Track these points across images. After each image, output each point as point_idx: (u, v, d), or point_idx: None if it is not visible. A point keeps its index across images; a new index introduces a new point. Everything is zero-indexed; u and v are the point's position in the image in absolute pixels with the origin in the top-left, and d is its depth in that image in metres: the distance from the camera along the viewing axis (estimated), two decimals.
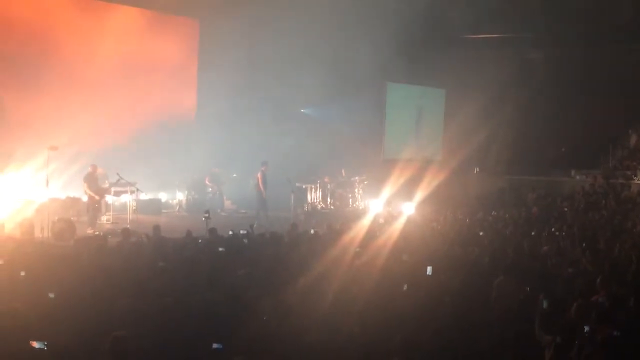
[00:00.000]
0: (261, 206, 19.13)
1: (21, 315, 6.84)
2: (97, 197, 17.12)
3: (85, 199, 17.74)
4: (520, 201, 21.21)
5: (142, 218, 17.93)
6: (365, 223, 15.15)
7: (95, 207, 17.21)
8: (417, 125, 28.06)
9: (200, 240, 12.81)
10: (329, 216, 19.84)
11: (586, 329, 6.64)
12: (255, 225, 17.33)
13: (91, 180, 17.26)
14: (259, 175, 19.10)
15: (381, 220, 17.19)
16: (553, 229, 14.39)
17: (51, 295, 7.94)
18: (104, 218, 17.85)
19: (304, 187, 22.18)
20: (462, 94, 24.93)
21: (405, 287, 8.38)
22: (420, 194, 19.58)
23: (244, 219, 18.74)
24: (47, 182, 15.74)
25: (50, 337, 6.34)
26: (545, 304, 7.49)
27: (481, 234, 14.15)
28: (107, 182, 18.01)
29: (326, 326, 7.11)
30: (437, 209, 18.88)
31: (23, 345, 6.16)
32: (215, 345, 6.23)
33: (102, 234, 15.24)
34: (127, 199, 18.29)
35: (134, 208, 18.25)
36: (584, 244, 11.96)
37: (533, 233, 14.13)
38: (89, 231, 16.26)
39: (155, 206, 20.55)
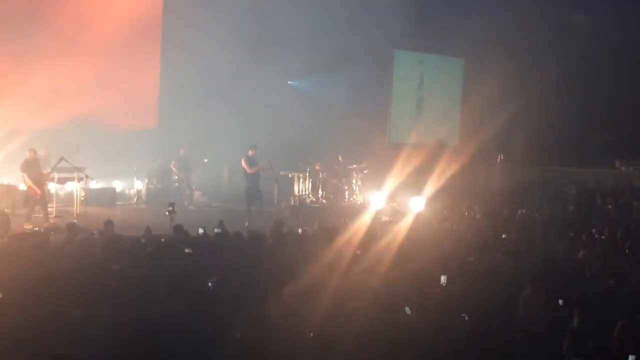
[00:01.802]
0: (251, 200, 18.95)
1: None
2: (38, 192, 17.03)
3: (22, 187, 17.67)
4: (553, 197, 21.26)
5: (93, 211, 17.91)
6: (364, 221, 15.18)
7: (35, 200, 17.14)
8: (429, 102, 28.07)
9: (162, 240, 12.81)
10: (320, 212, 19.91)
11: (631, 358, 6.67)
12: (247, 224, 17.39)
13: (30, 168, 17.16)
14: (243, 161, 18.96)
15: (384, 218, 17.21)
16: (593, 231, 14.44)
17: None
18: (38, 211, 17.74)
19: (290, 175, 22.23)
20: (485, 64, 24.93)
21: (407, 310, 8.38)
22: (431, 187, 19.62)
23: (216, 214, 18.72)
24: None
25: None
26: (576, 321, 7.54)
27: (504, 236, 14.19)
28: (49, 167, 17.94)
29: (316, 347, 7.12)
30: (452, 205, 18.91)
31: None
32: None
33: (42, 229, 15.20)
34: (74, 187, 18.25)
35: (82, 199, 18.21)
36: (629, 250, 12.01)
37: (570, 235, 14.17)
38: (27, 226, 16.22)
39: (108, 197, 20.54)
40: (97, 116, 21.10)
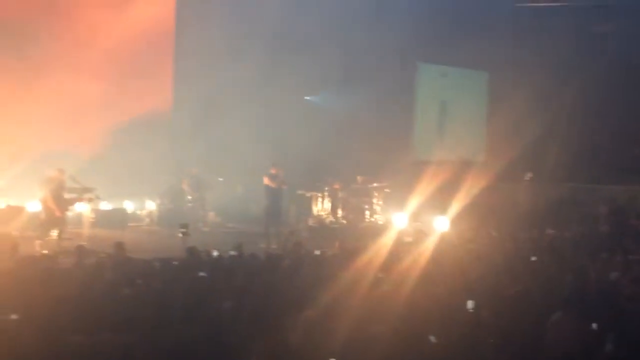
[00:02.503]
0: (270, 219, 18.94)
1: None
2: (57, 212, 17.05)
3: (32, 208, 17.76)
4: (584, 216, 21.11)
5: (103, 233, 17.95)
6: (386, 242, 15.12)
7: (55, 222, 17.13)
8: (454, 118, 27.98)
9: (175, 262, 12.81)
10: (339, 233, 19.84)
11: None
12: (263, 246, 17.39)
13: (56, 188, 17.17)
14: (265, 179, 18.96)
15: (407, 239, 17.15)
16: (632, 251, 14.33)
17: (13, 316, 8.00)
18: (53, 233, 17.79)
19: (308, 195, 22.19)
20: (511, 78, 24.85)
21: (432, 338, 8.32)
22: (456, 206, 19.53)
23: (231, 235, 18.72)
24: None
25: None
26: (609, 347, 7.45)
27: (534, 258, 14.11)
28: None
29: None
30: (478, 225, 18.82)
31: None
32: None
33: (51, 252, 15.24)
34: (84, 209, 18.29)
35: (91, 221, 18.24)
36: None
37: (603, 256, 14.07)
38: (40, 247, 16.22)
39: (119, 218, 20.56)
40: (107, 134, 21.17)
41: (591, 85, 24.93)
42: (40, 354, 7.36)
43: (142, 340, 7.80)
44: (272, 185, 18.72)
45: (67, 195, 17.59)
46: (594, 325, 8.58)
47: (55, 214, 16.99)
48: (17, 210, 18.33)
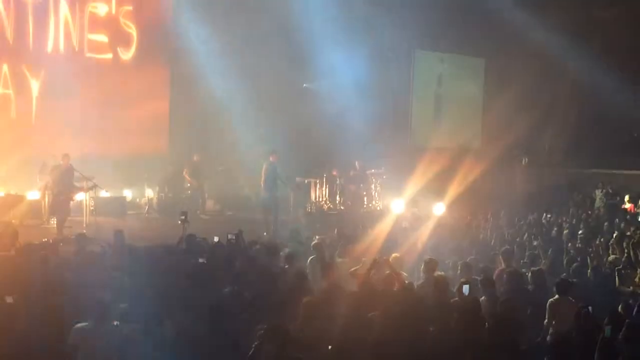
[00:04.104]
0: (268, 209, 18.84)
1: None
2: (61, 197, 17.07)
3: (29, 196, 17.78)
4: (581, 200, 21.15)
5: (102, 221, 17.90)
6: (384, 228, 15.13)
7: (56, 209, 17.15)
8: (451, 104, 27.97)
9: (175, 249, 12.80)
10: (338, 219, 19.82)
11: None
12: (265, 234, 17.35)
13: (62, 174, 17.17)
14: (263, 170, 18.84)
15: (404, 225, 17.15)
16: (628, 235, 14.33)
17: (9, 299, 8.01)
18: (52, 221, 17.76)
19: (306, 182, 22.14)
20: (507, 64, 24.83)
21: (432, 329, 8.33)
22: (454, 192, 19.54)
23: (230, 222, 18.70)
24: None
25: None
26: (608, 331, 7.45)
27: (535, 243, 14.12)
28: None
29: (334, 358, 7.09)
30: (476, 210, 18.84)
31: None
32: None
33: (51, 240, 15.22)
34: (83, 197, 18.27)
35: (91, 209, 18.23)
36: None
37: (598, 240, 14.10)
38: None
39: (118, 206, 20.51)
40: (107, 122, 21.10)
41: (588, 71, 24.90)
42: (41, 339, 7.37)
43: (143, 328, 7.81)
44: (266, 187, 18.61)
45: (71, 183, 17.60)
46: (590, 308, 8.58)
47: (59, 201, 16.99)
48: (16, 199, 18.28)
